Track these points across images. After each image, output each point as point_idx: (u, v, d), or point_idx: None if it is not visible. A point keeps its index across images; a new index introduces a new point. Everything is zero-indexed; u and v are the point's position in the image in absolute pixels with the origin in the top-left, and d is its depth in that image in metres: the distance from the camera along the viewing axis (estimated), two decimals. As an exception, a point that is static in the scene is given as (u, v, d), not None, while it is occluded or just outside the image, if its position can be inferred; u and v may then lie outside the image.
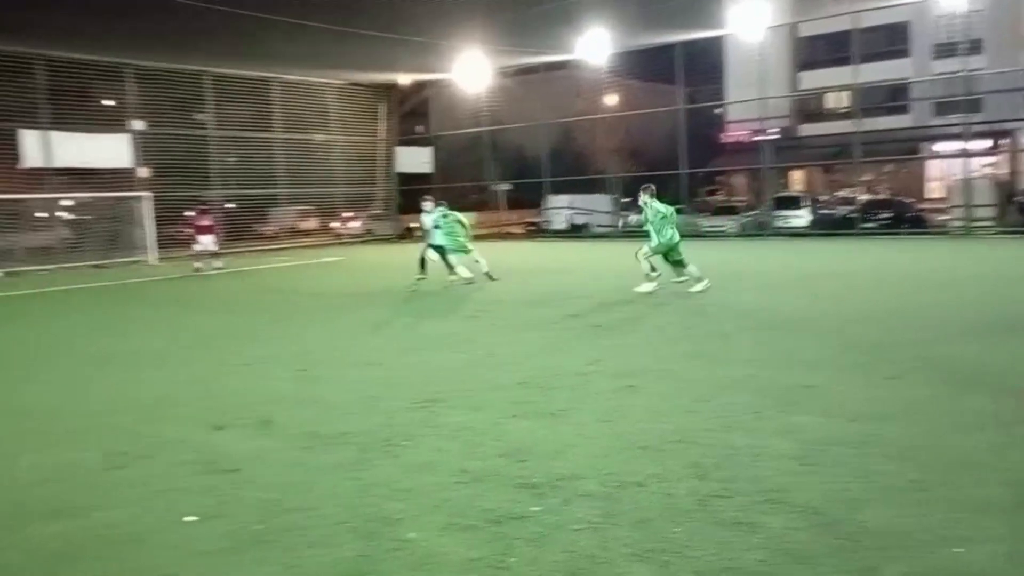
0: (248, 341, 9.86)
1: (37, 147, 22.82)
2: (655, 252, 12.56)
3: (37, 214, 25.61)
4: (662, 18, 21.03)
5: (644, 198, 12.86)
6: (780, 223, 26.07)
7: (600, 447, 5.06)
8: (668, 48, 26.66)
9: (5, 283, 19.59)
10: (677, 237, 12.60)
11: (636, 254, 12.75)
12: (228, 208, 28.45)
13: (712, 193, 37.81)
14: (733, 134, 37.59)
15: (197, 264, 19.93)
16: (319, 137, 31.30)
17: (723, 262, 18.47)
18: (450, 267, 14.82)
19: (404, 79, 31.50)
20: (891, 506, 3.98)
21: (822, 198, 31.38)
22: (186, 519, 4.13)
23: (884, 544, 3.56)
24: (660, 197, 13.06)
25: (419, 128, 38.24)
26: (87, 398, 7.07)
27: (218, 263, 20.22)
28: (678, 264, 12.71)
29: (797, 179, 37.97)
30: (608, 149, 35.14)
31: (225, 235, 27.27)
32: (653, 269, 12.46)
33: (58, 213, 26.01)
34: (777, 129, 32.74)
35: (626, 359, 7.79)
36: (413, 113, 36.51)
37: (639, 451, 4.95)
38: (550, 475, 4.56)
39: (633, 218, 14.91)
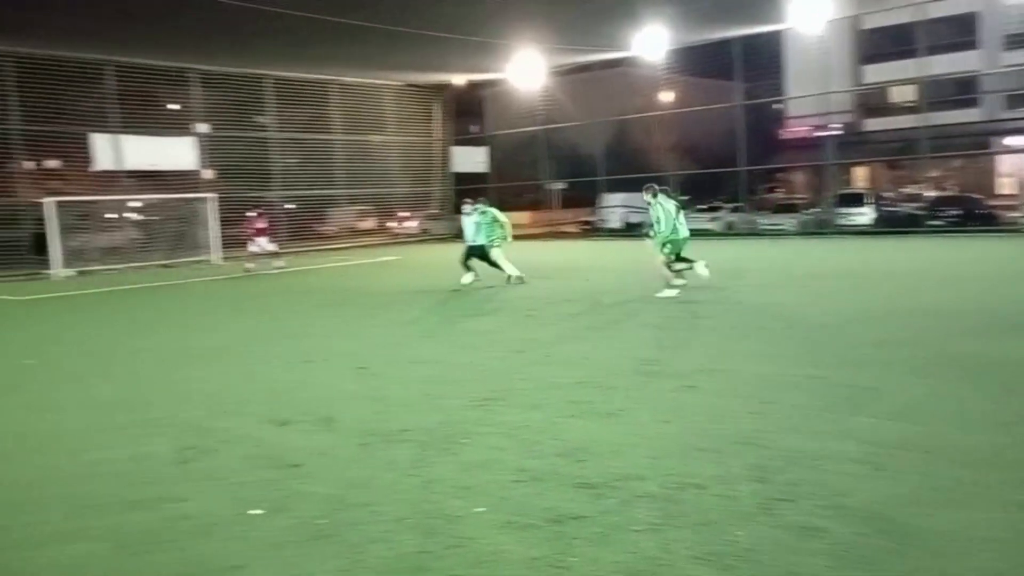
0: (308, 338, 10.06)
1: (108, 150, 23.66)
2: (661, 248, 12.55)
3: (107, 215, 26.54)
4: (720, 13, 20.73)
5: (647, 198, 12.73)
6: (843, 221, 25.45)
7: (659, 447, 5.03)
8: (726, 43, 26.26)
9: (78, 281, 20.35)
10: (684, 234, 12.64)
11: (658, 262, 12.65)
12: (288, 208, 29.03)
13: (771, 190, 37.10)
14: (793, 130, 36.83)
15: (249, 265, 20.37)
16: (376, 138, 31.72)
17: (782, 260, 18.15)
18: (498, 267, 14.82)
19: (459, 79, 31.69)
20: (958, 510, 3.87)
21: (886, 195, 30.52)
22: (252, 512, 4.24)
23: (952, 550, 3.46)
24: (679, 195, 12.96)
25: (473, 128, 38.43)
26: (157, 393, 7.29)
27: (279, 262, 20.65)
28: (678, 261, 12.76)
29: (860, 176, 37.00)
30: (664, 147, 34.78)
31: (286, 235, 27.94)
32: (679, 274, 12.32)
33: (126, 214, 26.89)
34: (839, 125, 31.98)
35: (684, 359, 7.71)
36: (467, 113, 36.72)
37: (699, 452, 4.89)
38: (609, 475, 4.54)
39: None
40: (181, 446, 5.50)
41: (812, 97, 29.52)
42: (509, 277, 14.77)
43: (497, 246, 14.94)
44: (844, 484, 4.28)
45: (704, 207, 30.93)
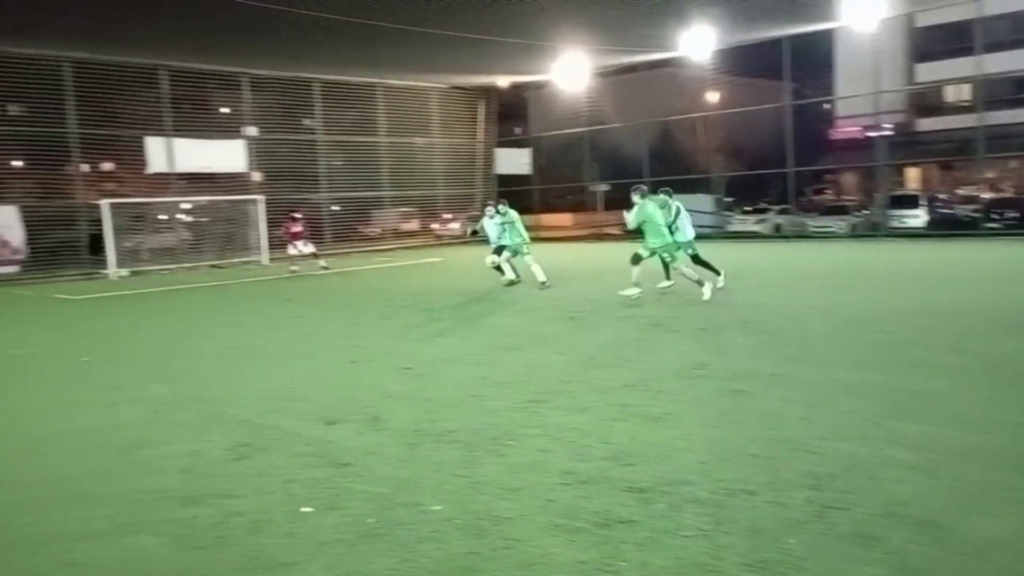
0: (354, 339, 10.17)
1: (161, 153, 24.25)
2: (656, 252, 12.30)
3: (159, 216, 27.19)
4: (771, 12, 20.43)
5: (635, 199, 12.42)
6: (895, 223, 24.89)
7: (708, 453, 4.97)
8: (774, 43, 25.88)
9: (131, 281, 20.88)
10: (669, 239, 12.32)
11: (679, 270, 12.41)
12: (333, 210, 29.39)
13: (820, 192, 36.47)
14: (843, 130, 36.13)
15: (293, 267, 20.64)
16: (421, 140, 31.95)
17: (833, 263, 17.81)
18: (500, 271, 14.92)
19: (503, 81, 31.76)
20: (1015, 519, 3.76)
21: (941, 197, 29.77)
22: (303, 510, 4.30)
23: (1011, 560, 3.36)
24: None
25: (517, 130, 38.48)
26: (209, 390, 7.45)
27: (322, 263, 20.88)
28: (667, 267, 12.53)
29: (913, 177, 36.16)
30: (710, 148, 34.44)
31: (331, 237, 28.31)
32: (699, 281, 12.03)
33: (178, 215, 27.51)
34: (891, 125, 31.26)
35: (732, 363, 7.62)
36: (511, 115, 36.79)
37: (749, 458, 4.83)
38: (657, 479, 4.51)
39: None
40: (234, 443, 5.61)
41: (863, 97, 28.85)
42: (510, 281, 14.81)
43: (527, 252, 14.94)
44: (898, 492, 4.19)
45: (750, 209, 30.54)
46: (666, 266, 12.81)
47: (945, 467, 4.51)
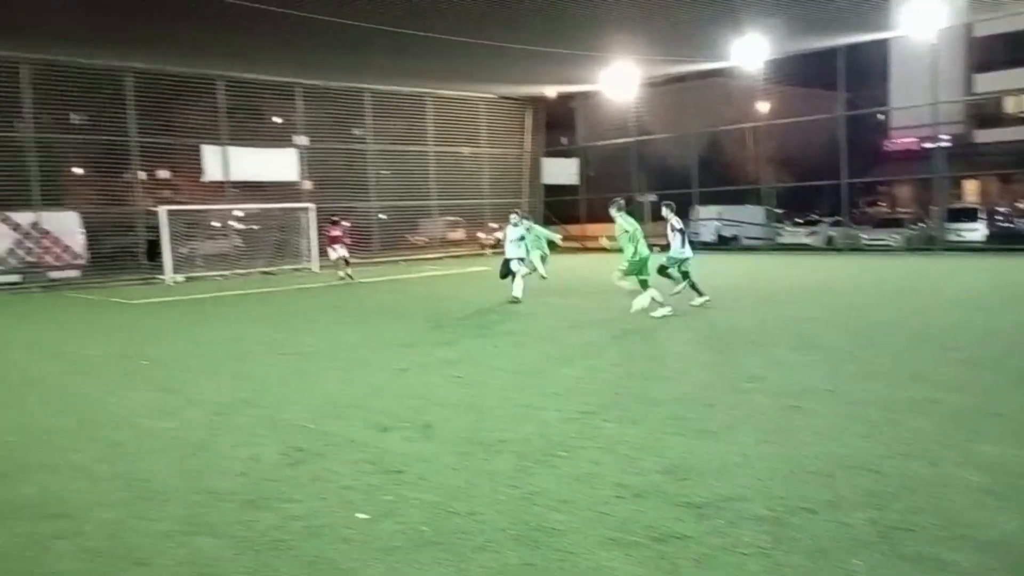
0: (403, 346, 10.24)
1: (217, 161, 24.81)
2: (627, 274, 11.70)
3: (213, 223, 27.81)
4: (827, 22, 20.13)
5: (613, 211, 11.95)
6: (953, 237, 24.26)
7: (765, 469, 4.89)
8: (828, 53, 25.47)
9: (186, 287, 21.37)
10: (646, 253, 11.71)
11: (612, 278, 11.97)
12: (381, 219, 29.69)
13: (873, 204, 35.74)
14: (898, 141, 35.40)
15: (341, 272, 20.81)
16: (469, 149, 32.15)
17: (889, 277, 17.42)
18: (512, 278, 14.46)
19: (551, 91, 31.81)
20: (1103, 552, 3.62)
21: (1001, 210, 28.95)
22: (359, 516, 4.34)
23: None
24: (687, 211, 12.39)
25: (563, 139, 38.49)
26: (263, 395, 7.56)
27: (342, 273, 20.80)
28: (644, 284, 11.79)
29: (971, 189, 35.24)
30: (760, 158, 34.02)
31: (379, 245, 28.62)
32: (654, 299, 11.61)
33: (231, 222, 28.11)
34: (948, 136, 30.54)
35: (788, 377, 7.49)
36: (557, 124, 36.80)
37: (808, 475, 4.73)
38: (713, 495, 4.45)
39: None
40: (289, 447, 5.68)
41: (919, 107, 28.23)
42: (514, 299, 14.22)
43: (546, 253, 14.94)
44: (967, 514, 4.06)
45: (802, 221, 30.06)
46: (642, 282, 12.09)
47: (1018, 490, 4.36)
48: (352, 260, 21.12)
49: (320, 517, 4.34)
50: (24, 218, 21.67)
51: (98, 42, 19.44)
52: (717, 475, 4.81)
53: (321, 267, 24.87)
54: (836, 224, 27.56)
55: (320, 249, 25.42)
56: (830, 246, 26.83)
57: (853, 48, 25.10)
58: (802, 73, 30.41)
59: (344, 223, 21.99)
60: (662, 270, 12.91)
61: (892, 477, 4.65)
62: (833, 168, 26.26)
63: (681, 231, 12.88)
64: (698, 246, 29.01)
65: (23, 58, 20.89)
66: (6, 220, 21.42)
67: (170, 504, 4.65)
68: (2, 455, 5.76)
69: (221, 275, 23.96)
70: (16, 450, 5.93)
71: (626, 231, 11.71)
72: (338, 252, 20.80)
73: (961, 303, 12.59)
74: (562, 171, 33.50)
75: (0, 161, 21.42)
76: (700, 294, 12.74)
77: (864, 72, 31.44)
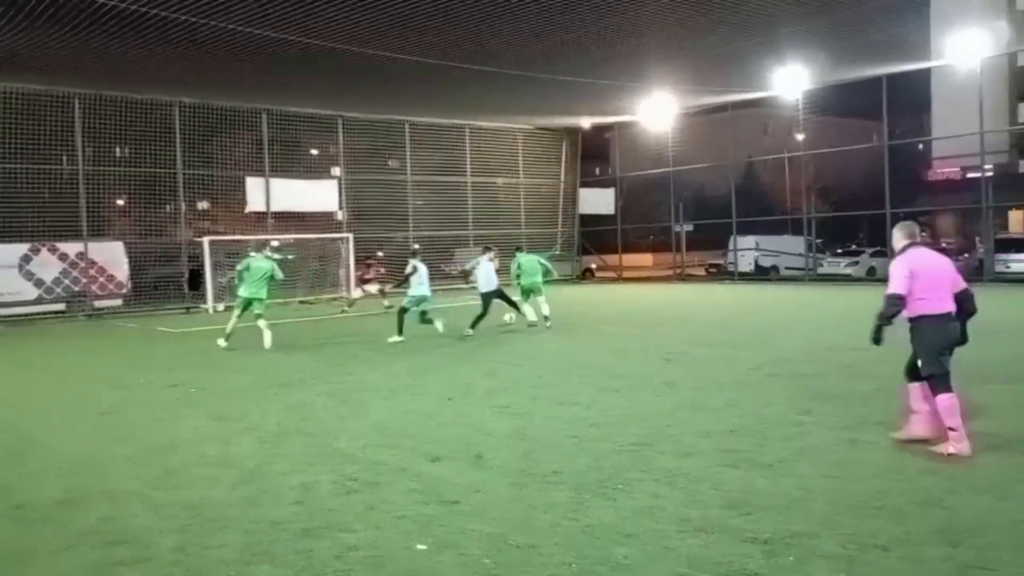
0: (447, 375, 10.23)
1: (259, 192, 25.22)
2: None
3: (252, 253, 28.16)
4: (869, 51, 20.02)
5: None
6: (1001, 268, 23.75)
7: (830, 504, 4.76)
8: (866, 82, 25.27)
9: (226, 315, 21.57)
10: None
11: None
12: (415, 248, 29.84)
13: (916, 235, 35.12)
14: (940, 171, 34.90)
15: (386, 303, 20.87)
16: (506, 180, 32.35)
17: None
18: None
19: (586, 122, 31.96)
20: None
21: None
22: (419, 547, 4.29)
23: None
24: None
25: (597, 170, 38.58)
26: (313, 423, 7.58)
27: (348, 303, 21.09)
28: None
29: (1017, 219, 34.53)
30: (799, 188, 33.75)
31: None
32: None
33: (269, 252, 28.40)
34: (991, 165, 30.04)
35: (840, 409, 7.33)
36: (591, 155, 36.91)
37: (875, 510, 4.60)
38: (779, 530, 4.34)
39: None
40: (342, 477, 5.67)
41: (962, 137, 27.82)
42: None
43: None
44: (1050, 555, 3.90)
45: (842, 251, 29.67)
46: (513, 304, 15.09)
47: (1096, 529, 4.20)
48: (387, 291, 21.21)
49: (379, 547, 4.31)
50: (72, 248, 22.14)
51: (147, 79, 19.97)
52: (781, 509, 4.69)
53: (359, 296, 25.01)
54: (878, 254, 27.14)
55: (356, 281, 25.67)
56: (872, 277, 26.41)
57: (893, 77, 24.87)
58: (840, 103, 30.25)
59: (379, 253, 22.18)
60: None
61: (962, 512, 4.50)
62: (874, 198, 25.94)
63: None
64: (736, 276, 29.04)
65: (76, 93, 21.51)
66: (54, 250, 21.91)
67: (228, 531, 4.64)
68: (67, 483, 5.82)
69: (261, 304, 24.20)
70: (78, 477, 5.99)
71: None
72: (370, 289, 20.93)
73: (1020, 334, 12.26)
74: (599, 201, 33.52)
75: (51, 193, 22.02)
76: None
77: (905, 101, 31.16)
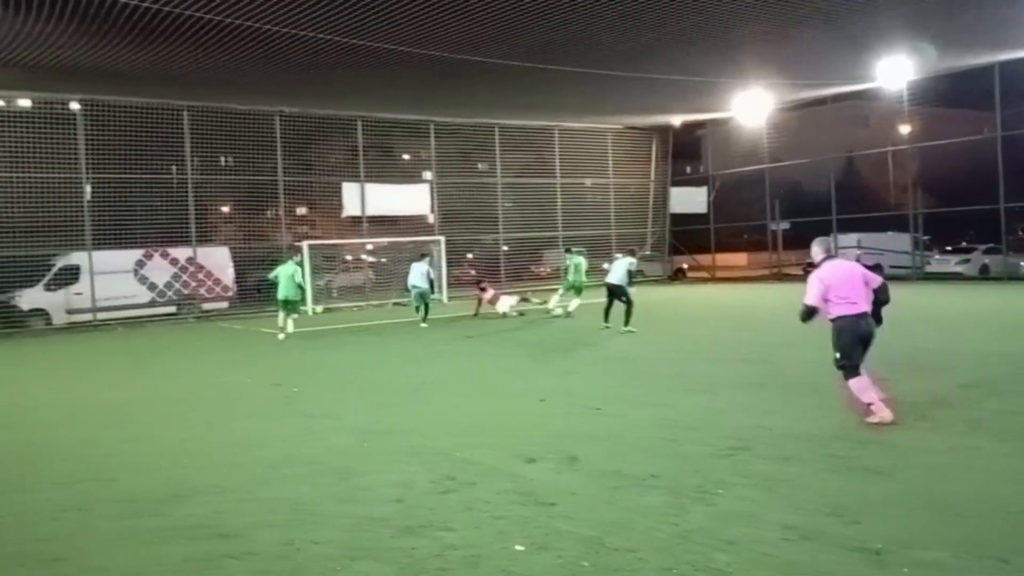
0: (539, 376, 10.27)
1: (355, 197, 25.96)
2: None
3: (348, 257, 29.01)
4: (977, 39, 18.96)
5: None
6: None
7: (939, 511, 4.55)
8: (975, 71, 23.92)
9: (324, 317, 22.31)
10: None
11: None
12: (504, 250, 30.08)
13: (1031, 230, 33.10)
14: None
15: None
16: (595, 179, 32.19)
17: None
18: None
19: (677, 120, 31.46)
20: None
21: None
22: (516, 548, 4.32)
23: None
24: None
25: (688, 168, 37.88)
26: (406, 422, 7.73)
27: (515, 309, 20.63)
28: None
29: None
30: (903, 183, 32.27)
31: (505, 276, 28.96)
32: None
33: (363, 256, 29.20)
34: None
35: (948, 413, 6.99)
36: (681, 153, 36.26)
37: (991, 520, 4.37)
38: (889, 539, 4.16)
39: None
40: (439, 476, 5.76)
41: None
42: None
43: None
44: None
45: (952, 249, 28.22)
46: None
47: None
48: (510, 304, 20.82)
49: (477, 547, 4.36)
50: (181, 253, 23.33)
51: (251, 90, 20.80)
52: (889, 517, 4.51)
53: (449, 299, 25.40)
54: (991, 251, 25.65)
55: (450, 282, 26.01)
56: (985, 275, 25.00)
57: (1007, 65, 23.46)
58: (947, 92, 28.70)
59: (468, 255, 22.27)
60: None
61: (1095, 528, 4.21)
62: (986, 192, 24.50)
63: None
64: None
65: (185, 105, 22.64)
66: (166, 255, 23.14)
67: (328, 527, 4.79)
68: (180, 478, 6.12)
69: (356, 306, 24.89)
70: (189, 473, 6.30)
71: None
72: (504, 303, 20.18)
73: None
74: (690, 200, 32.90)
75: (162, 201, 23.24)
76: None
77: (1018, 91, 29.34)
